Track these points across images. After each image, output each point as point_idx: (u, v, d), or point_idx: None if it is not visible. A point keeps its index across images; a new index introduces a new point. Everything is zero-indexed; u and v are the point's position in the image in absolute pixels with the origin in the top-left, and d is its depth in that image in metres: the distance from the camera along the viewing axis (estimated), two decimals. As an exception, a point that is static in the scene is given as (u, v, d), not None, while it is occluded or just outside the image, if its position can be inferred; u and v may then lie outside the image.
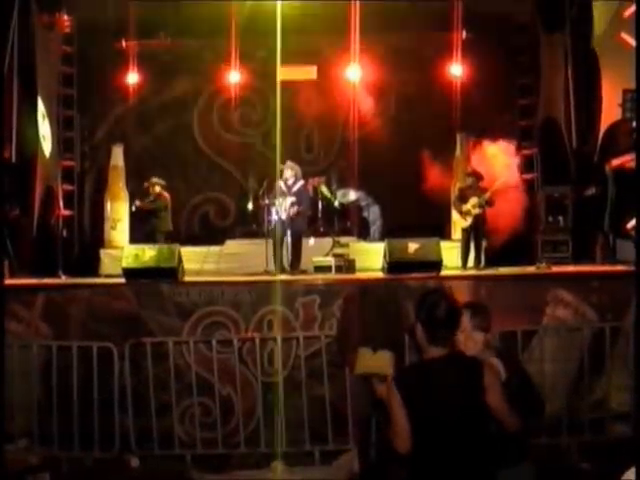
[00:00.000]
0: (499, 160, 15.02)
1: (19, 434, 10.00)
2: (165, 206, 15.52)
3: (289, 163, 14.49)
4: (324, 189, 16.19)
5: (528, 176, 16.19)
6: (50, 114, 16.34)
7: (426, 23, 16.78)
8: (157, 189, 15.48)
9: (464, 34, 16.63)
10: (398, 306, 9.88)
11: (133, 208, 16.10)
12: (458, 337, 5.29)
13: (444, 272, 12.45)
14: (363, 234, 17.43)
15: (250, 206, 17.14)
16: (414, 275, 11.60)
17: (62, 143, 17.10)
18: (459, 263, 14.48)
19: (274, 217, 14.18)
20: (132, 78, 17.34)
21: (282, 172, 14.36)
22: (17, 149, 14.73)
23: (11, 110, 14.63)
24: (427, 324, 4.99)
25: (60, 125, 17.01)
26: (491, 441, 4.94)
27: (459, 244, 14.75)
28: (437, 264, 12.16)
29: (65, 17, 17.09)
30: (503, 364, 5.45)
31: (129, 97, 17.45)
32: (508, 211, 14.85)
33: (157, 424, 10.21)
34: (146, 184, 15.76)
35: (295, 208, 13.98)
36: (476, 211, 14.27)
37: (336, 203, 16.44)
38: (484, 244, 14.58)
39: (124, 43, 17.32)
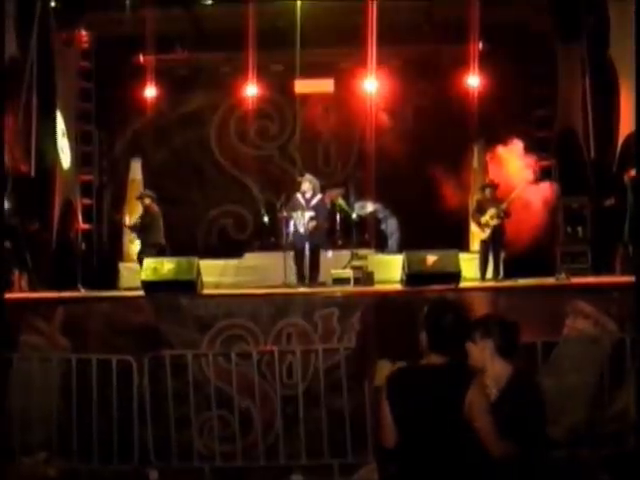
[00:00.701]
0: (517, 170, 14.97)
1: (38, 446, 10.02)
2: (152, 220, 15.17)
3: (307, 176, 14.52)
4: (341, 202, 16.17)
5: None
6: (69, 129, 16.45)
7: (442, 34, 16.83)
8: (147, 201, 15.20)
9: (480, 45, 16.60)
10: (417, 318, 9.86)
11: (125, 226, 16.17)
12: (468, 346, 5.32)
13: (463, 284, 12.41)
14: (381, 246, 17.42)
15: (268, 219, 17.15)
16: (433, 287, 11.57)
17: (81, 157, 17.22)
18: (478, 275, 14.44)
19: (292, 230, 14.19)
20: (150, 92, 17.41)
21: (300, 185, 14.38)
22: (36, 163, 14.81)
23: (30, 125, 14.72)
24: (430, 330, 5.07)
25: (78, 140, 17.13)
26: (476, 458, 4.84)
27: (477, 255, 14.72)
28: (456, 276, 12.10)
29: (83, 33, 17.25)
30: (518, 381, 5.40)
31: (147, 111, 17.52)
32: (527, 222, 14.78)
33: (176, 437, 10.20)
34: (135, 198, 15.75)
35: (314, 222, 14.00)
36: (494, 222, 14.25)
37: (354, 215, 16.41)
38: (503, 255, 14.51)
39: (142, 57, 17.40)
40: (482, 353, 5.36)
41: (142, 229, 15.16)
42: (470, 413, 4.80)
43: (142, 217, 15.23)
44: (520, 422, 5.13)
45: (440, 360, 5.00)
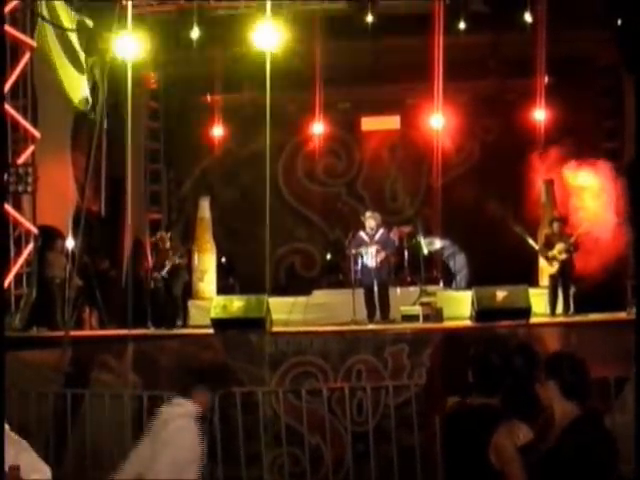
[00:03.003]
0: (589, 203, 14.81)
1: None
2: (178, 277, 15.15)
3: (368, 213, 14.50)
4: (419, 237, 16.20)
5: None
6: (138, 168, 16.67)
7: (508, 69, 16.79)
8: (175, 260, 14.93)
9: (547, 79, 16.51)
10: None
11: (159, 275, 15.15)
12: (537, 388, 5.17)
13: (533, 319, 12.29)
14: (450, 282, 17.34)
15: (333, 256, 17.17)
16: (503, 323, 11.48)
17: (150, 196, 17.42)
18: (548, 310, 14.28)
19: (360, 267, 14.17)
20: (217, 131, 17.62)
21: (365, 222, 14.35)
22: (106, 203, 15.03)
23: (100, 165, 14.96)
24: (473, 372, 5.05)
25: (147, 179, 17.34)
26: None
27: (547, 290, 14.56)
28: (526, 311, 12.01)
29: (151, 74, 17.47)
30: (583, 424, 5.15)
31: (214, 150, 17.71)
32: (597, 255, 14.60)
33: (247, 473, 10.19)
34: (155, 238, 15.51)
35: (383, 253, 13.97)
36: (562, 257, 14.09)
37: (425, 251, 16.36)
38: (572, 290, 14.33)
39: (209, 97, 17.60)
40: (547, 394, 5.04)
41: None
42: (497, 458, 4.70)
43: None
44: (581, 467, 4.79)
45: (484, 401, 4.96)
